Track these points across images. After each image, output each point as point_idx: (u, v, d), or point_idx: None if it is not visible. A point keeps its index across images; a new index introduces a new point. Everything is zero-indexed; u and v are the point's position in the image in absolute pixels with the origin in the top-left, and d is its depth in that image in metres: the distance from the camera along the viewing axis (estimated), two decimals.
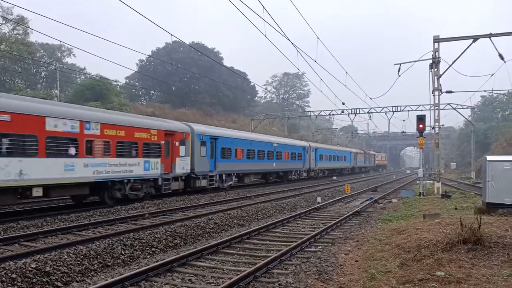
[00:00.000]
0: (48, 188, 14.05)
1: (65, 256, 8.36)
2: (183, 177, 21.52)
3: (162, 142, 19.40)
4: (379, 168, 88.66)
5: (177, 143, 20.65)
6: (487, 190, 13.50)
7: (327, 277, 7.21)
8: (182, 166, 20.98)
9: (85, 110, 16.70)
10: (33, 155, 13.15)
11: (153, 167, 18.66)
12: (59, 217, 13.52)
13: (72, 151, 14.51)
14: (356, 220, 15.08)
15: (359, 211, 16.98)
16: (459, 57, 23.21)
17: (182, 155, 21.01)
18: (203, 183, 22.86)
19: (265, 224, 13.27)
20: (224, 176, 25.43)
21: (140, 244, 10.09)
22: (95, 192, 16.63)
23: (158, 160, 19.06)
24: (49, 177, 13.68)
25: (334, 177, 46.72)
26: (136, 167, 17.54)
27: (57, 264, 7.96)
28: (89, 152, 15.26)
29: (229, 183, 26.20)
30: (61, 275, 7.74)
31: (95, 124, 15.56)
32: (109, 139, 16.16)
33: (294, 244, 10.01)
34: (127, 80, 66.60)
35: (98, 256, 8.82)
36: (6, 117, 12.42)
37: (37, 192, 13.61)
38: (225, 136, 25.99)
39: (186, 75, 66.14)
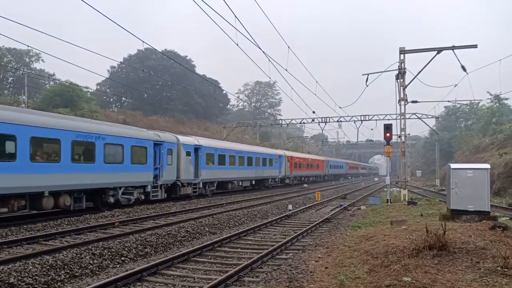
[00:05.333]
0: None
1: (30, 267, 8.12)
2: None
3: None
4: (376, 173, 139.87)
5: None
6: (451, 197, 13.93)
7: (298, 285, 7.29)
8: None
9: None
10: None
11: None
12: (24, 226, 13.10)
13: None
14: (326, 227, 15.28)
15: (329, 218, 17.21)
16: (424, 68, 24.08)
17: None
18: None
19: (237, 232, 13.28)
20: None
21: (109, 253, 9.90)
22: None
23: None
24: None
25: (305, 185, 47.13)
26: None
27: (22, 275, 7.72)
28: None
29: None
30: (25, 286, 7.51)
31: None
32: None
33: (266, 251, 10.07)
34: (98, 87, 65.34)
35: (65, 266, 8.60)
36: None
37: None
38: None
39: (158, 83, 65.55)
